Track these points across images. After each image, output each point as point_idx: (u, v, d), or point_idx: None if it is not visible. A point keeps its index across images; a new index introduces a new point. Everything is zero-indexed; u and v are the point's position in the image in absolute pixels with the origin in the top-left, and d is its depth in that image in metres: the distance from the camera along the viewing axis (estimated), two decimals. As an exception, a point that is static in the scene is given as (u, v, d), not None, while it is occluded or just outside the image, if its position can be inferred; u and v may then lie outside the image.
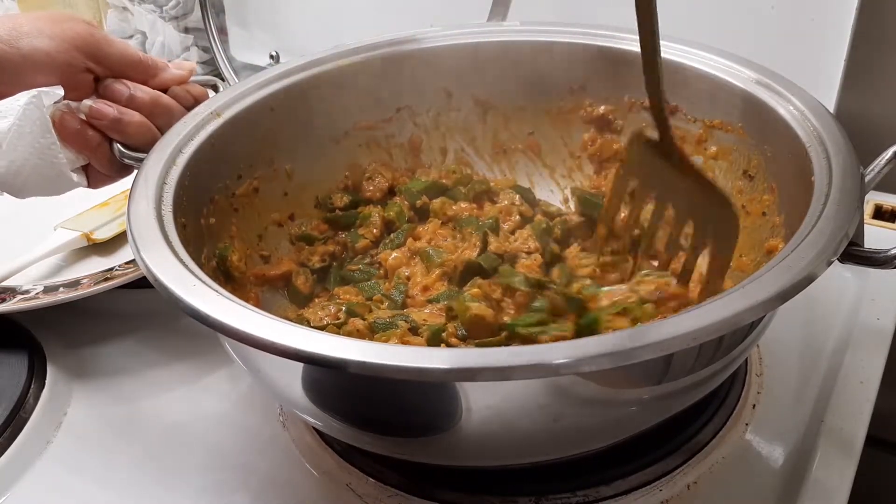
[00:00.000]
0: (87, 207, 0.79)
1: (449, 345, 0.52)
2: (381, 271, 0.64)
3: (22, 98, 0.57)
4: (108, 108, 0.58)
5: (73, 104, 0.59)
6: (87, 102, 0.59)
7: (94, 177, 0.62)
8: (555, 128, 0.70)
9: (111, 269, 0.70)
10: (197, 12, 1.05)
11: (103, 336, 0.68)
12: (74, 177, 0.60)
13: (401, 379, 0.38)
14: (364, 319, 0.55)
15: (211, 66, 1.06)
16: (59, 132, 0.58)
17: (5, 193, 0.60)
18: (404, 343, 0.52)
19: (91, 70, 0.58)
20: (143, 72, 0.60)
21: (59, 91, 0.59)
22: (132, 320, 0.70)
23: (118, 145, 0.59)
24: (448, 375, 0.37)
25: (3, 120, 0.57)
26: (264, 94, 0.63)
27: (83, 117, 0.59)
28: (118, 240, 0.76)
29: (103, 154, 0.60)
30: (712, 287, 0.50)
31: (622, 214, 0.59)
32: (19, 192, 0.60)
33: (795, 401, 0.58)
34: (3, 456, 0.57)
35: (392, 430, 0.47)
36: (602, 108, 0.68)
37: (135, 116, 0.58)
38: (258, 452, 0.57)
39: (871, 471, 0.58)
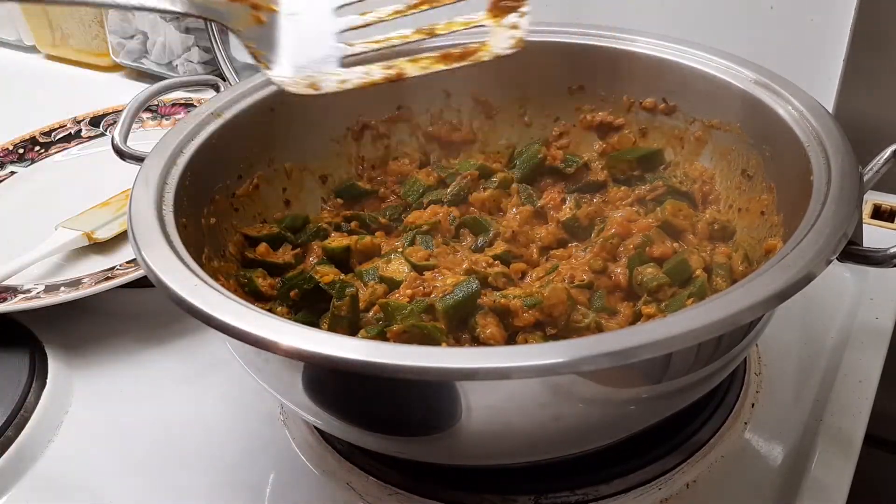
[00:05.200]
0: (87, 207, 0.79)
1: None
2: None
3: None
4: None
5: None
6: None
7: None
8: (555, 128, 0.70)
9: (112, 269, 0.70)
10: (197, 12, 1.05)
11: (104, 335, 0.69)
12: None
13: (401, 378, 0.39)
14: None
15: (212, 66, 1.06)
16: None
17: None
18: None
19: None
20: None
21: None
22: (133, 320, 0.70)
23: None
24: (448, 375, 0.38)
25: None
26: (264, 94, 0.63)
27: None
28: (119, 239, 0.76)
29: None
30: None
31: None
32: None
33: (794, 400, 0.58)
34: (5, 455, 0.57)
35: (393, 429, 0.47)
36: (600, 114, 0.68)
37: None
38: (258, 452, 0.57)
39: (870, 470, 0.58)
